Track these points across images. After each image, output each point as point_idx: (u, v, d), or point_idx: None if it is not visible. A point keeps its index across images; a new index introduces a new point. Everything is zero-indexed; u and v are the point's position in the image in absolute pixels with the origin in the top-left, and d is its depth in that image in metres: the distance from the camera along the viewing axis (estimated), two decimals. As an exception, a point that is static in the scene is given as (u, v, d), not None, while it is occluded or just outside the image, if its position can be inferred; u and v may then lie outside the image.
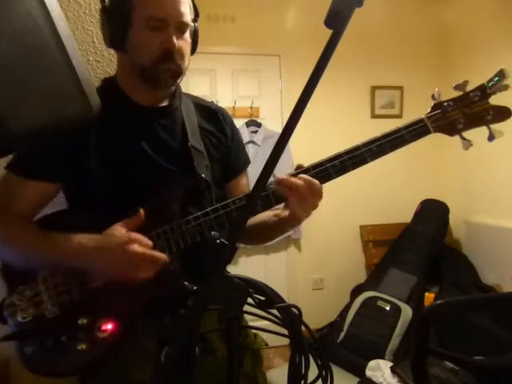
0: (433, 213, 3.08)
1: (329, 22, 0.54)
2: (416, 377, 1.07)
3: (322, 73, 0.54)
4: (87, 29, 1.31)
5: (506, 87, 0.90)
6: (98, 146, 0.95)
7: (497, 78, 0.90)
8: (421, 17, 3.26)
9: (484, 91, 0.91)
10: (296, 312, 0.77)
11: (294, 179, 0.87)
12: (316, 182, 0.88)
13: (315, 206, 0.91)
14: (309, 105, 0.55)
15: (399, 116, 3.33)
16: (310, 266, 3.27)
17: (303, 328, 0.78)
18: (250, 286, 0.71)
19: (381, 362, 2.28)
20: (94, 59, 1.32)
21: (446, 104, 0.93)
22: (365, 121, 3.30)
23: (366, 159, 0.90)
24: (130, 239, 0.86)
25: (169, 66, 0.95)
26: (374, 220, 3.32)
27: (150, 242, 0.88)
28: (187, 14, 0.96)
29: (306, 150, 3.00)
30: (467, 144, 0.93)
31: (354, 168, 0.90)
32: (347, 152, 0.90)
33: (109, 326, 0.89)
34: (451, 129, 0.92)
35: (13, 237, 0.94)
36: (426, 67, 3.33)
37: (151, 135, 1.00)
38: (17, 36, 0.56)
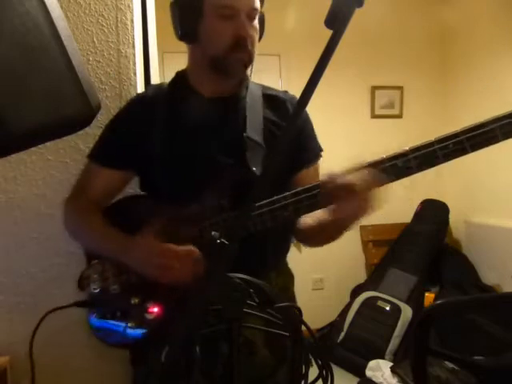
0: (433, 213, 3.08)
1: (329, 22, 0.54)
2: (416, 377, 1.07)
3: (322, 73, 0.54)
4: (87, 29, 1.30)
5: None
6: (163, 137, 0.99)
7: None
8: (421, 17, 3.26)
9: None
10: (296, 312, 0.77)
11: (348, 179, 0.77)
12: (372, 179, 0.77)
13: (365, 210, 0.79)
14: (308, 105, 0.55)
15: (399, 116, 3.33)
16: (310, 266, 3.26)
17: (303, 328, 0.78)
18: (250, 286, 0.71)
19: (381, 362, 2.28)
20: (93, 59, 1.31)
21: None
22: (365, 121, 3.29)
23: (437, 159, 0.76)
24: (151, 243, 0.89)
25: (241, 55, 0.96)
26: (374, 220, 3.32)
27: (176, 248, 0.88)
28: (257, 0, 0.95)
29: (306, 149, 3.01)
30: None
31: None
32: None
33: (155, 309, 0.94)
34: None
35: (82, 224, 1.04)
36: (426, 67, 3.33)
37: (211, 127, 1.01)
38: (16, 36, 0.56)
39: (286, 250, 1.14)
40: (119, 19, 1.31)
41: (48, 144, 1.27)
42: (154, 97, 1.05)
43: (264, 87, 1.12)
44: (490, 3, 2.91)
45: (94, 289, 1.00)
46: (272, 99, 1.08)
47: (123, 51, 1.32)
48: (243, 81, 1.06)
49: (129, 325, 0.95)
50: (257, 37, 0.99)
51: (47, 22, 0.58)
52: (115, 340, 0.99)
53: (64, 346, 1.32)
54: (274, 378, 0.99)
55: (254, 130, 1.01)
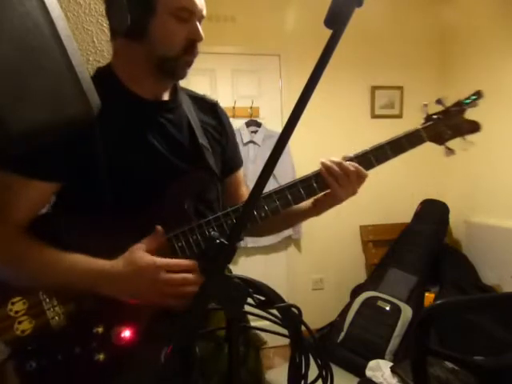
0: (433, 213, 3.08)
1: (329, 22, 0.54)
2: (416, 377, 1.07)
3: (321, 73, 0.54)
4: (87, 29, 1.30)
5: (476, 104, 1.06)
6: (103, 144, 0.88)
7: (474, 97, 1.06)
8: (421, 17, 3.26)
9: (460, 106, 1.07)
10: (296, 312, 0.77)
11: (344, 166, 0.97)
12: (363, 170, 0.99)
13: (355, 192, 1.01)
14: (309, 105, 0.55)
15: (399, 116, 3.33)
16: (310, 266, 3.27)
17: (303, 328, 0.78)
18: (250, 286, 0.71)
19: (381, 361, 2.28)
20: (93, 59, 1.31)
21: (435, 117, 1.07)
22: (365, 121, 3.30)
23: (372, 163, 1.02)
24: (158, 267, 0.83)
25: (190, 58, 0.94)
26: (374, 220, 3.32)
27: (176, 264, 0.84)
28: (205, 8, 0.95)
29: (305, 150, 3.01)
30: (450, 153, 1.07)
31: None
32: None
33: (127, 333, 0.84)
34: (440, 139, 1.07)
35: (16, 256, 0.85)
36: (426, 67, 3.33)
37: (160, 131, 0.96)
38: (17, 36, 0.56)
39: None
40: (119, 19, 1.31)
41: (48, 144, 1.27)
42: None
43: (186, 90, 1.10)
44: (489, 3, 2.91)
45: (23, 331, 0.84)
46: (201, 102, 1.09)
47: (123, 51, 1.32)
48: (177, 85, 1.04)
49: (96, 358, 0.84)
50: None
51: (47, 22, 0.58)
52: (79, 381, 0.86)
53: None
54: (246, 365, 1.00)
55: (201, 135, 1.01)
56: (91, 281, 0.83)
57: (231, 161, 1.12)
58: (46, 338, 0.85)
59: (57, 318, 0.85)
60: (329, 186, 0.98)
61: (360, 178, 0.99)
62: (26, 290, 0.86)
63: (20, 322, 0.84)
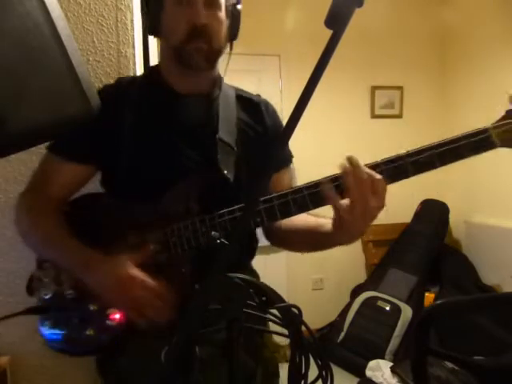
0: (433, 213, 3.08)
1: (329, 23, 0.54)
2: (416, 377, 1.07)
3: (322, 73, 0.54)
4: (87, 29, 1.30)
5: None
6: (131, 133, 0.95)
7: None
8: (421, 17, 3.26)
9: None
10: (296, 312, 0.77)
11: (350, 173, 0.74)
12: (377, 175, 0.75)
13: (374, 214, 0.78)
14: (308, 105, 0.55)
15: (399, 116, 3.33)
16: (310, 266, 3.26)
17: (303, 328, 0.78)
18: (250, 286, 0.71)
19: (381, 361, 2.28)
20: (93, 59, 1.31)
21: None
22: (365, 121, 3.30)
23: (407, 172, 0.79)
24: (130, 277, 0.84)
25: (198, 45, 0.91)
26: (374, 220, 3.32)
27: (152, 286, 0.84)
28: None
29: (305, 150, 3.00)
30: None
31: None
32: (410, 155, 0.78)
33: (117, 316, 0.89)
34: None
35: (37, 226, 0.95)
36: (425, 67, 3.33)
37: (182, 124, 0.97)
38: (17, 36, 0.56)
39: (251, 255, 1.14)
40: (119, 19, 1.31)
41: (48, 144, 1.27)
42: (122, 90, 1.00)
43: (237, 89, 1.09)
44: (489, 3, 2.91)
45: (45, 294, 0.93)
46: (245, 101, 1.06)
47: (123, 51, 1.32)
48: (217, 80, 1.02)
49: (87, 332, 0.90)
50: (220, 27, 0.93)
51: (47, 22, 0.58)
52: (76, 349, 0.93)
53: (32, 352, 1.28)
54: (255, 380, 0.97)
55: (226, 131, 0.98)
56: (80, 263, 0.88)
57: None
58: (60, 304, 0.93)
59: (69, 289, 0.92)
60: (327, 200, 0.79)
61: (374, 189, 0.77)
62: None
63: (45, 286, 0.94)
